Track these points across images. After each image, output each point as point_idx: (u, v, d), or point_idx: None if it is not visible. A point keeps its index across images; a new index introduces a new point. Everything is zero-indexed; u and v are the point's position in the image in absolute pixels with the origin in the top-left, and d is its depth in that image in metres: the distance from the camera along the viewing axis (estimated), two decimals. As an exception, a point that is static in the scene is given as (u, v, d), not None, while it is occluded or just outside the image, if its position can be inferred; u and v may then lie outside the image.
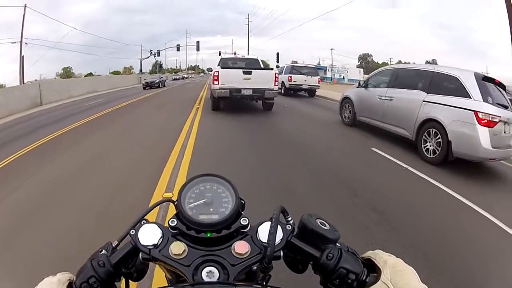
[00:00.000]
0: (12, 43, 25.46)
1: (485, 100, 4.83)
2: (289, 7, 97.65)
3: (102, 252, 0.59)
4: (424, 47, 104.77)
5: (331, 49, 63.80)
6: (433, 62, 25.83)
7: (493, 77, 5.50)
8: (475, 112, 4.73)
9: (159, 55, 47.40)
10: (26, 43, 25.31)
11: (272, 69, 10.41)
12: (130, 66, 71.76)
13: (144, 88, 25.62)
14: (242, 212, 0.62)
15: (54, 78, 51.84)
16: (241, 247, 0.56)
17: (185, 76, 69.21)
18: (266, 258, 0.54)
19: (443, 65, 6.43)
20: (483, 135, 4.63)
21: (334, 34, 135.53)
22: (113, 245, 0.61)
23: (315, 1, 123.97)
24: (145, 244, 0.57)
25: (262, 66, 11.71)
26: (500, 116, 4.75)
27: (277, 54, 37.42)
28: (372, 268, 0.56)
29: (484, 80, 5.10)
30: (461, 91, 5.06)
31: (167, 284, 0.66)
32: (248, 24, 52.93)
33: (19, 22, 24.08)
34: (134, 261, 0.62)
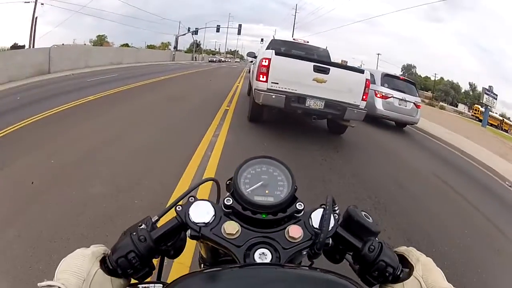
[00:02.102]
0: (26, 2, 23.03)
1: (382, 85, 9.49)
2: (335, 6, 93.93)
3: (142, 227, 0.59)
4: (462, 66, 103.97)
5: (378, 54, 60.64)
6: (490, 89, 26.79)
7: (397, 75, 11.33)
8: (375, 90, 9.07)
9: (196, 33, 46.45)
10: (42, 4, 23.74)
11: (362, 71, 6.05)
12: (168, 42, 68.65)
13: None
14: (297, 197, 0.64)
15: (84, 44, 50.18)
16: (295, 231, 0.57)
17: (222, 59, 66.95)
18: (318, 244, 0.56)
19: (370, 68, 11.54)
20: (378, 103, 9.23)
21: (376, 40, 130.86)
22: (153, 220, 0.62)
23: (361, 4, 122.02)
24: (196, 221, 0.58)
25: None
26: (392, 94, 9.34)
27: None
28: (405, 265, 0.59)
29: (387, 76, 9.94)
30: (374, 81, 9.16)
31: (199, 262, 0.71)
32: (295, 15, 50.74)
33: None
34: (176, 238, 0.62)
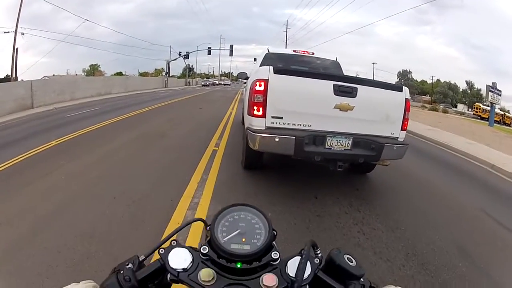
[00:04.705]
0: (5, 32, 22.00)
1: None
2: (324, 20, 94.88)
3: (128, 266, 0.59)
4: (456, 66, 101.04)
5: (373, 63, 59.54)
6: (494, 85, 25.92)
7: None
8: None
9: (187, 57, 45.40)
10: (22, 34, 23.06)
11: (400, 87, 4.07)
12: (162, 68, 67.12)
13: None
14: (274, 243, 0.62)
15: (75, 74, 49.23)
16: (269, 279, 0.56)
17: (216, 82, 65.19)
18: None
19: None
20: None
21: (370, 49, 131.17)
22: (140, 259, 0.62)
23: (350, 15, 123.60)
24: (175, 267, 0.57)
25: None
26: None
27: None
28: None
29: None
30: None
31: None
32: (287, 31, 50.71)
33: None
34: (160, 278, 0.61)
